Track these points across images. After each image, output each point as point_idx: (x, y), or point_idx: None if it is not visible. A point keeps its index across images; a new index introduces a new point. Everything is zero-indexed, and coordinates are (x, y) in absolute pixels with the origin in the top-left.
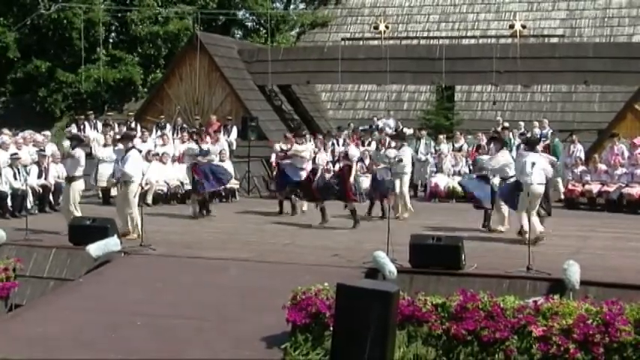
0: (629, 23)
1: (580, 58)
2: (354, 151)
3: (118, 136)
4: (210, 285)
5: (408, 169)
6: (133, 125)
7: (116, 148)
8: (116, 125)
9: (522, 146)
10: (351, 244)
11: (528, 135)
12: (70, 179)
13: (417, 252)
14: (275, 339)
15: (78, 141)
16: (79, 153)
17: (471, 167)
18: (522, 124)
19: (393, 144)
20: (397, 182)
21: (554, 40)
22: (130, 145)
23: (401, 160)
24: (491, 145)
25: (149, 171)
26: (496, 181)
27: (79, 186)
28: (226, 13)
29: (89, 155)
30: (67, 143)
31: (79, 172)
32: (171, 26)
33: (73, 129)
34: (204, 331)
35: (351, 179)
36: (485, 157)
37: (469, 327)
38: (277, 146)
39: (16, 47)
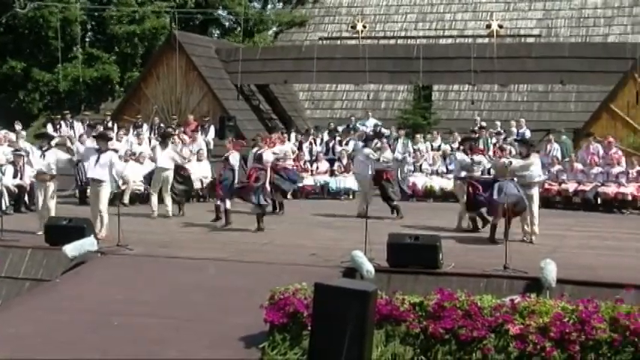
0: (605, 23)
1: (556, 57)
2: (268, 156)
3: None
4: (187, 285)
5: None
6: (110, 125)
7: (87, 146)
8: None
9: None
10: (328, 244)
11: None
12: (52, 177)
13: (394, 251)
14: (253, 339)
15: (49, 139)
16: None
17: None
18: (499, 123)
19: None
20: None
21: (531, 39)
22: (105, 146)
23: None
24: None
25: (125, 171)
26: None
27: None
28: (204, 12)
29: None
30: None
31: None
32: (148, 24)
33: (49, 129)
34: (182, 331)
35: (267, 183)
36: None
37: (447, 326)
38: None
39: None
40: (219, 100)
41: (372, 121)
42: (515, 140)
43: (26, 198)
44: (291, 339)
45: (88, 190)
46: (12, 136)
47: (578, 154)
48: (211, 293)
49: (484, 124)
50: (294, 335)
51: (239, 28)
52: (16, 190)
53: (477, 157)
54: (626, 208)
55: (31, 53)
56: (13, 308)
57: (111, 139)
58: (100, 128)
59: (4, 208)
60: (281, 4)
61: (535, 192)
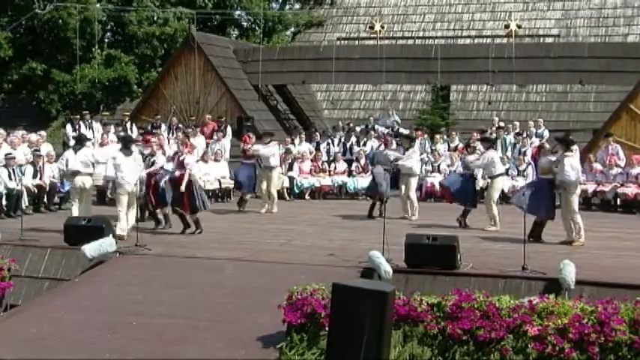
0: (624, 23)
1: (575, 58)
2: (190, 159)
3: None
4: (205, 285)
5: (416, 170)
6: (128, 125)
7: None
8: (113, 126)
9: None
10: (346, 244)
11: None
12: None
13: (412, 252)
14: (270, 339)
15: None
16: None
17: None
18: (517, 123)
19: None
20: (404, 184)
21: (550, 40)
22: (131, 149)
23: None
24: (479, 145)
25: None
26: (482, 181)
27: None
28: (222, 13)
29: None
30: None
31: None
32: (169, 28)
33: (68, 129)
34: (200, 331)
35: (182, 187)
36: (471, 157)
37: (465, 326)
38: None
39: (10, 47)
40: (237, 100)
41: (392, 118)
42: (557, 139)
43: (45, 198)
44: (308, 339)
45: (108, 192)
46: (32, 136)
47: (597, 155)
48: (229, 293)
49: (502, 124)
50: (311, 335)
51: (257, 29)
52: (36, 190)
53: None
54: None
55: (50, 54)
56: (35, 308)
57: (135, 141)
58: (114, 129)
59: (23, 207)
60: (299, 4)
61: None
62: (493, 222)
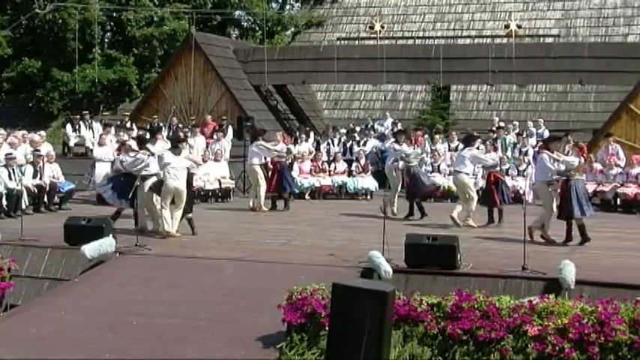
0: (624, 23)
1: (575, 57)
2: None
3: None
4: (205, 285)
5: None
6: (128, 125)
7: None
8: (113, 127)
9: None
10: (346, 244)
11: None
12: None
13: (412, 252)
14: (270, 339)
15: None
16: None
17: None
18: (517, 123)
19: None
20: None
21: (550, 40)
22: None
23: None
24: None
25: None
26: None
27: None
28: (222, 13)
29: (85, 155)
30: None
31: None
32: (167, 27)
33: (69, 129)
34: (200, 330)
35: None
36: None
37: (465, 326)
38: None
39: (9, 46)
40: (237, 100)
41: (389, 121)
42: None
43: (45, 198)
44: (308, 339)
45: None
46: (33, 136)
47: (597, 155)
48: (229, 293)
49: (502, 124)
50: (311, 335)
51: (257, 29)
52: (36, 190)
53: None
54: None
55: (49, 54)
56: (35, 308)
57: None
58: (115, 130)
59: (23, 207)
60: (299, 3)
61: None
62: None
